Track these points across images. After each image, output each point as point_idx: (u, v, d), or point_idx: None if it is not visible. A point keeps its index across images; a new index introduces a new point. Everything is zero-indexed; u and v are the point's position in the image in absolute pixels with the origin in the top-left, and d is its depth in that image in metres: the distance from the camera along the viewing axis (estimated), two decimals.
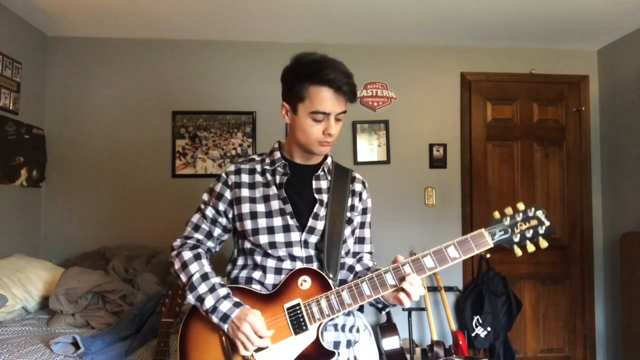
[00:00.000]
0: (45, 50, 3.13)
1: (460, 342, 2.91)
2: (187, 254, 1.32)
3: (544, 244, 1.22)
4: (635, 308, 2.89)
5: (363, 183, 1.47)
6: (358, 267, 1.42)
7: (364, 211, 1.45)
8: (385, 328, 2.92)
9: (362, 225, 1.45)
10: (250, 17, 2.90)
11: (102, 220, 3.13)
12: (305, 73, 1.24)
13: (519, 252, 1.23)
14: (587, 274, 3.41)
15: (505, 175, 3.41)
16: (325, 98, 1.22)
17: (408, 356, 2.88)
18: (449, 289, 3.24)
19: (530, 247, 1.23)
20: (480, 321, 3.07)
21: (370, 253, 1.48)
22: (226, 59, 3.26)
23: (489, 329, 3.05)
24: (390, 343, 2.84)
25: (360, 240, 1.45)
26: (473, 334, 3.07)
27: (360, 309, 2.80)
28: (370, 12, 2.83)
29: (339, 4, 2.72)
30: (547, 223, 1.22)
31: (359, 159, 3.27)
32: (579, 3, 2.72)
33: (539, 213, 1.23)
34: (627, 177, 3.18)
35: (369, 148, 3.32)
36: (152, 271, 2.64)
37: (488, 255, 3.28)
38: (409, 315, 2.96)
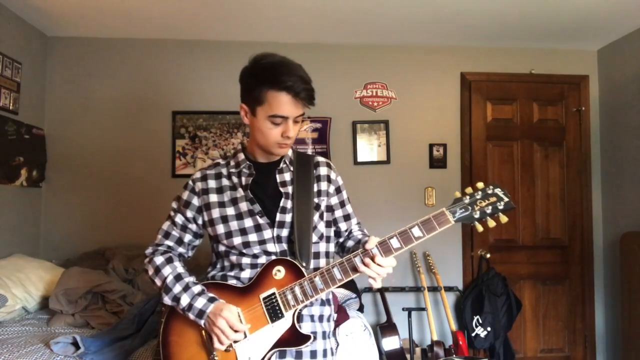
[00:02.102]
0: (45, 50, 3.13)
1: (460, 342, 2.91)
2: (159, 259, 1.37)
3: (504, 219, 1.27)
4: (635, 308, 2.89)
5: (328, 165, 1.48)
6: (349, 243, 1.47)
7: (338, 190, 1.48)
8: (385, 328, 2.91)
9: (341, 204, 1.49)
10: (251, 17, 2.90)
11: (102, 220, 3.13)
12: (264, 77, 1.25)
13: (480, 227, 1.29)
14: (587, 274, 3.41)
15: (505, 175, 3.41)
16: (284, 102, 1.24)
17: (408, 356, 2.88)
18: (449, 289, 3.24)
19: (491, 223, 1.28)
20: (480, 321, 3.08)
21: (358, 224, 1.54)
22: (226, 59, 3.26)
23: (489, 329, 3.05)
24: (390, 343, 2.84)
25: (346, 218, 1.50)
26: (473, 334, 3.07)
27: (361, 308, 2.81)
28: (370, 12, 2.83)
29: (339, 4, 2.72)
30: (506, 199, 1.28)
31: (359, 159, 3.26)
32: (579, 3, 2.72)
33: (498, 190, 1.29)
34: (627, 177, 3.18)
35: (369, 148, 3.31)
36: None
37: (488, 255, 3.28)
38: (409, 315, 2.95)
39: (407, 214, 3.30)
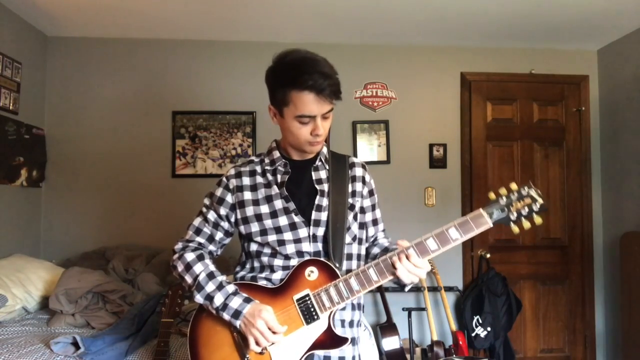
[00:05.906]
0: (45, 50, 3.13)
1: (460, 342, 2.91)
2: (190, 256, 1.33)
3: (538, 220, 1.25)
4: (635, 308, 2.89)
5: (363, 166, 1.48)
6: (375, 250, 1.45)
7: (371, 193, 1.46)
8: (385, 328, 2.91)
9: (372, 207, 1.47)
10: (250, 17, 2.90)
11: (102, 220, 3.13)
12: (285, 78, 1.23)
13: (516, 229, 1.25)
14: (587, 274, 3.41)
15: (505, 175, 3.40)
16: (308, 102, 1.22)
17: (408, 356, 2.88)
18: (449, 289, 3.24)
19: (526, 224, 1.25)
20: (480, 321, 3.07)
21: (383, 231, 1.51)
22: (226, 59, 3.26)
23: (489, 329, 3.05)
24: (390, 343, 2.84)
25: (374, 222, 1.47)
26: (473, 334, 3.07)
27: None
28: (370, 12, 2.83)
29: (339, 3, 2.72)
30: (540, 200, 1.25)
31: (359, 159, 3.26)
32: (579, 3, 2.72)
33: (532, 191, 1.26)
34: (627, 177, 3.17)
35: (369, 148, 3.32)
36: (152, 271, 2.64)
37: (488, 255, 3.28)
38: (409, 315, 2.96)
39: (407, 214, 3.31)
